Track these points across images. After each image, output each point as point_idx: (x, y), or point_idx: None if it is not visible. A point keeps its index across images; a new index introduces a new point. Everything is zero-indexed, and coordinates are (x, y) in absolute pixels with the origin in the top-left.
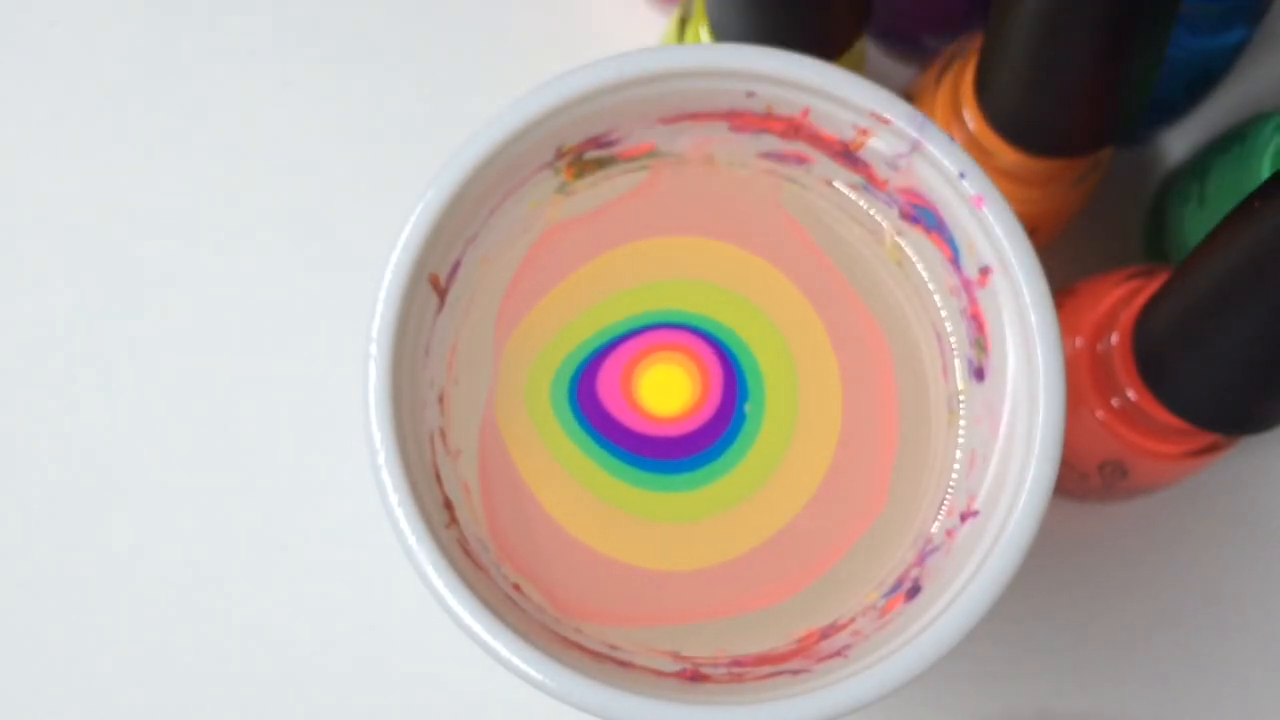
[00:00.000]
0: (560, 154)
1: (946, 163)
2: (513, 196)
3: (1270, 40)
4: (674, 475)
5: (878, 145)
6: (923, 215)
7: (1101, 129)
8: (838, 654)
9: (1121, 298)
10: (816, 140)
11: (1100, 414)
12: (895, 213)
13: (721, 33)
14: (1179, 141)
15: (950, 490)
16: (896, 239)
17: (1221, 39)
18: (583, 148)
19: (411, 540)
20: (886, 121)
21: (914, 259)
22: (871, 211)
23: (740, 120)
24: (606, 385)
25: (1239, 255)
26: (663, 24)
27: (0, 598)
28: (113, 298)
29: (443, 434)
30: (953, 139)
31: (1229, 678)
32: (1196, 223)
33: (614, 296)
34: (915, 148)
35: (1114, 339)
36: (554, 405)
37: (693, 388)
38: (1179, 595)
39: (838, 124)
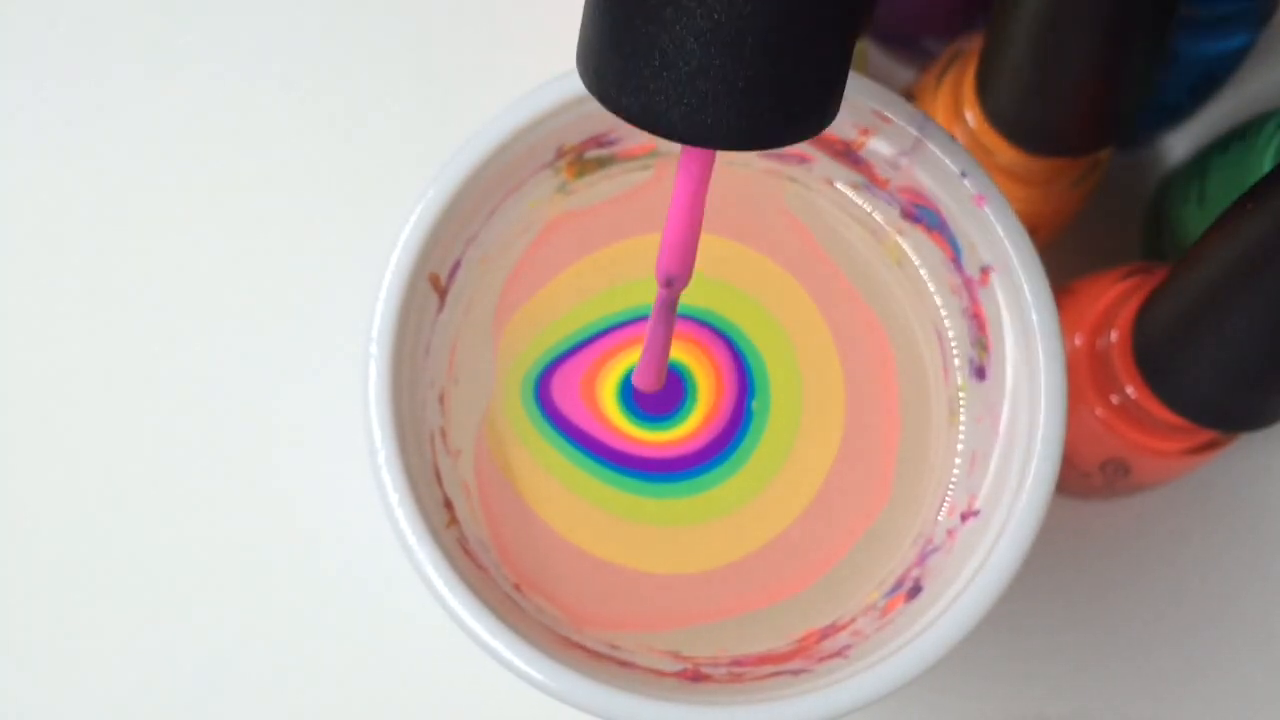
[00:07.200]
0: (561, 153)
1: (947, 162)
2: (513, 196)
3: (1274, 45)
4: (675, 484)
5: (878, 145)
6: (924, 214)
7: (1102, 129)
8: (838, 654)
9: (1120, 295)
10: (817, 139)
11: (1100, 412)
12: (896, 212)
13: None
14: (1179, 141)
15: (951, 489)
16: (897, 238)
17: (1225, 44)
18: (583, 147)
19: (411, 540)
20: (887, 121)
21: (915, 258)
22: (872, 211)
23: None
24: (568, 385)
25: (1234, 254)
26: None
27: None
28: (111, 298)
29: (443, 433)
30: (953, 138)
31: (1229, 677)
32: (1196, 222)
33: (611, 291)
34: (916, 147)
35: (1113, 336)
36: (524, 404)
37: (706, 381)
38: (1179, 595)
39: (839, 123)
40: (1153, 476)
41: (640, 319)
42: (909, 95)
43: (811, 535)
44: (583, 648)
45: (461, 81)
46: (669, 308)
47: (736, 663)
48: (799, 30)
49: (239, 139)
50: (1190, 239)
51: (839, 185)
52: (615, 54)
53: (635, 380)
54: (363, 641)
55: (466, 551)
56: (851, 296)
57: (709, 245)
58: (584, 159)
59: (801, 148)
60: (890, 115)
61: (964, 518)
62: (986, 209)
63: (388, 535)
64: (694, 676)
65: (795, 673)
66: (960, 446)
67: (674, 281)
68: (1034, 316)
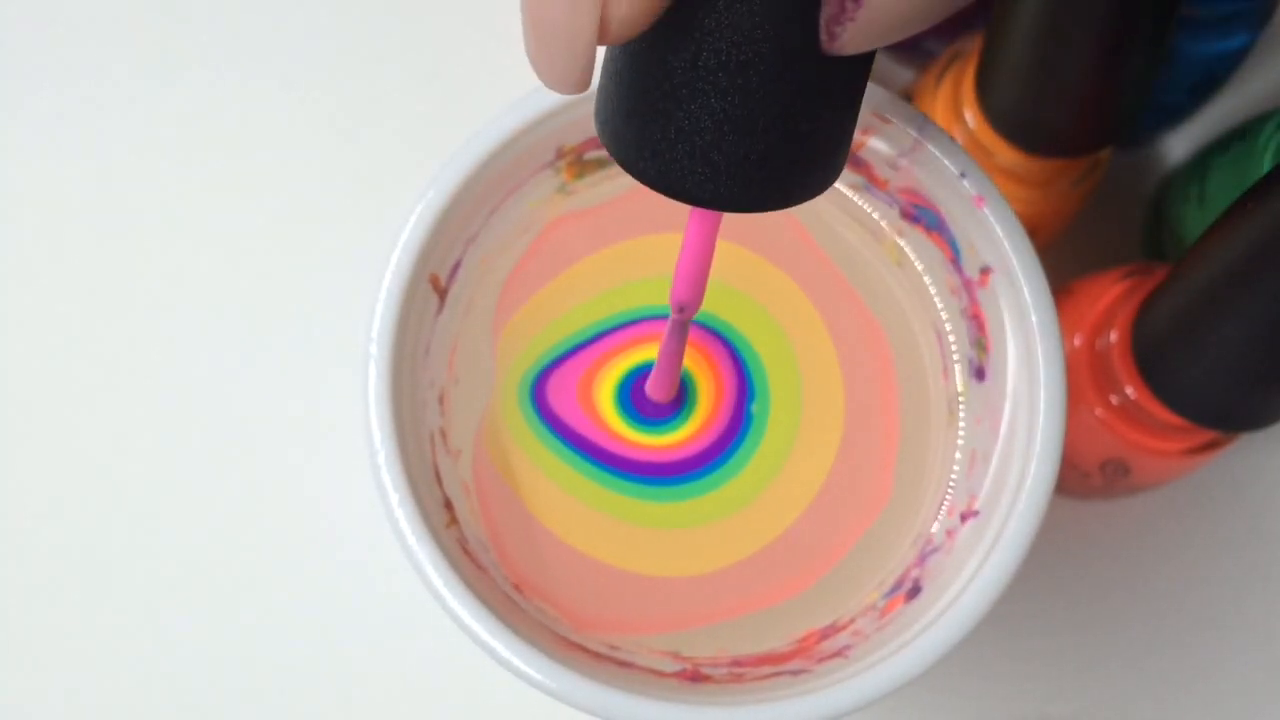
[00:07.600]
0: (561, 154)
1: (947, 163)
2: (513, 196)
3: (1274, 45)
4: (675, 487)
5: (878, 145)
6: (923, 215)
7: (1101, 129)
8: (838, 654)
9: (1119, 295)
10: None
11: (1099, 412)
12: (896, 212)
13: None
14: (1179, 141)
15: (951, 490)
16: (897, 239)
17: (1225, 44)
18: (583, 148)
19: (411, 540)
20: (887, 121)
21: (914, 259)
22: (872, 211)
23: None
24: (565, 387)
25: (1234, 253)
26: None
27: (1, 597)
28: (111, 298)
29: (443, 434)
30: (953, 139)
31: (1229, 677)
32: (1196, 222)
33: (611, 293)
34: (915, 148)
35: (1113, 336)
36: (521, 406)
37: (706, 384)
38: (1179, 595)
39: None
40: (1153, 477)
41: (640, 320)
42: (908, 95)
43: (811, 536)
44: (582, 648)
45: (461, 81)
46: (682, 327)
47: (736, 663)
48: (810, 112)
49: (239, 139)
50: (1190, 239)
51: (838, 186)
52: (632, 122)
53: (648, 389)
54: (363, 641)
55: (466, 552)
56: (851, 298)
57: None
58: (584, 160)
59: None
60: (889, 116)
61: (963, 518)
62: (986, 210)
63: (388, 535)
64: (694, 677)
65: (795, 673)
66: (960, 448)
67: (686, 308)
68: (1033, 317)
